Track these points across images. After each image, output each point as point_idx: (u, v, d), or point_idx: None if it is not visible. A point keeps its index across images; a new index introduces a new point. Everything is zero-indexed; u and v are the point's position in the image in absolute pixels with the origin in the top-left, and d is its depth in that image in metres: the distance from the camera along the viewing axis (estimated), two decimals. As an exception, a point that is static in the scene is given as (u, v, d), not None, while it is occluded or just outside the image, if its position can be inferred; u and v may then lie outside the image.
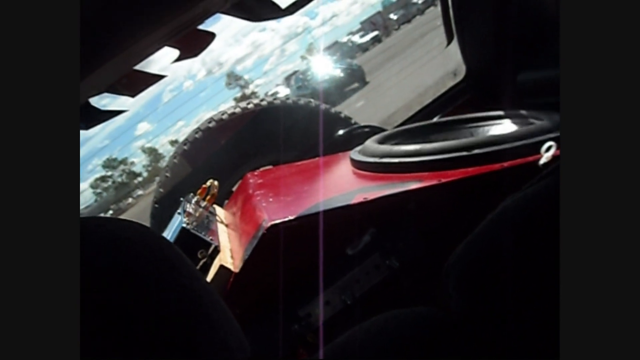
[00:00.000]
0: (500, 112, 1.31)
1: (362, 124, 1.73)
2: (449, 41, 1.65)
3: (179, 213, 1.13)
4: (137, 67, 0.84)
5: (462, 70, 1.66)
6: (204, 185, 1.24)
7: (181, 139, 1.78)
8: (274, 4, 0.88)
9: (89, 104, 0.88)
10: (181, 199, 1.18)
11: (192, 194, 1.21)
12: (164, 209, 1.65)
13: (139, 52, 0.77)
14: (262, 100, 1.72)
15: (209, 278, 0.93)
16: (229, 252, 1.02)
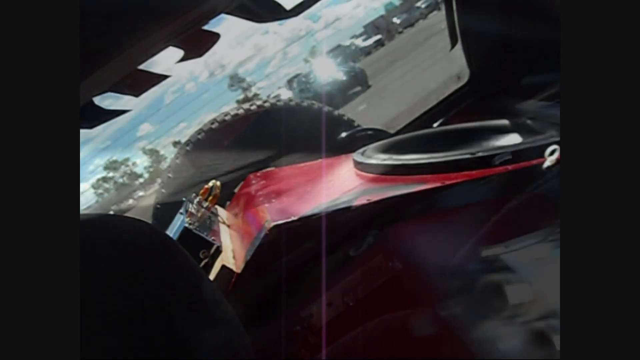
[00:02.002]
0: (504, 122, 1.31)
1: (365, 126, 1.73)
2: (453, 45, 1.65)
3: (181, 213, 1.13)
4: (141, 67, 0.84)
5: (466, 74, 1.66)
6: (206, 186, 1.24)
7: (183, 140, 1.78)
8: (279, 5, 0.88)
9: (92, 103, 0.88)
10: (183, 199, 1.18)
11: (194, 195, 1.21)
12: (166, 210, 1.65)
13: (144, 51, 0.77)
14: (265, 101, 1.72)
15: (211, 278, 0.93)
16: (231, 253, 1.02)
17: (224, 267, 0.93)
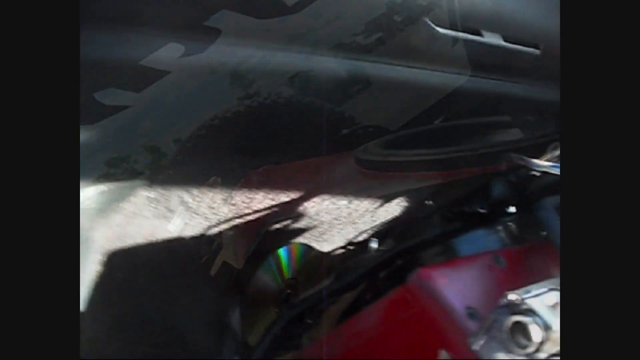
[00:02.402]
0: (505, 118, 1.30)
1: (366, 123, 1.72)
2: (454, 42, 1.64)
3: (182, 210, 1.13)
4: (143, 62, 0.84)
5: (467, 72, 1.65)
6: (207, 183, 1.24)
7: (184, 137, 1.77)
8: (281, 1, 0.89)
9: (93, 99, 0.88)
10: (184, 196, 1.18)
11: (195, 191, 1.20)
12: (166, 207, 1.65)
13: (145, 47, 0.77)
14: (266, 99, 1.71)
15: (212, 274, 0.93)
16: (232, 249, 1.02)
17: (225, 263, 0.93)
